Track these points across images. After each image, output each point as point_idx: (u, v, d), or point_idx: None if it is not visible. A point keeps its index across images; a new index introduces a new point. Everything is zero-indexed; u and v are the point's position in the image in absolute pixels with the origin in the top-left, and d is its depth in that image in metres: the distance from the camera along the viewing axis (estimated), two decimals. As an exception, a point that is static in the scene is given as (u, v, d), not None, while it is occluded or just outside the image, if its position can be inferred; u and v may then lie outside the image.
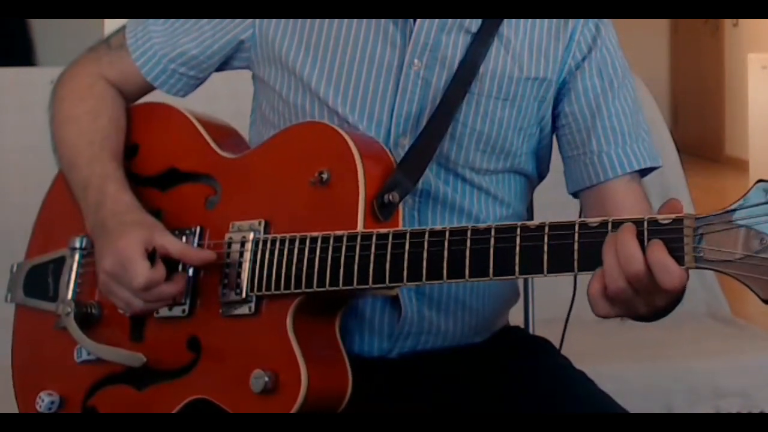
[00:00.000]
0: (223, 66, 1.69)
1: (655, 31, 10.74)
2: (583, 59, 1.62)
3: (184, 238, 1.55)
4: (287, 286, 1.45)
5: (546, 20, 1.61)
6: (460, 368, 1.60)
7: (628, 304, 1.31)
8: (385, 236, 1.40)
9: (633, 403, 1.55)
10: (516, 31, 1.60)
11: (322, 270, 1.43)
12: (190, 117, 1.64)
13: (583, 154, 1.62)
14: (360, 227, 1.43)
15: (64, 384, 1.62)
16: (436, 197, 1.59)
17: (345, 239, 1.42)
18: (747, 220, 1.22)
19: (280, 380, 1.43)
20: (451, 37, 1.58)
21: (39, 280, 1.68)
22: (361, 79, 1.58)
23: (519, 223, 1.34)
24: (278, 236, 1.47)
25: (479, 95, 1.58)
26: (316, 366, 1.44)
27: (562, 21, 1.62)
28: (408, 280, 1.39)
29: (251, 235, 1.50)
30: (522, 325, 2.07)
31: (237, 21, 1.64)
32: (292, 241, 1.46)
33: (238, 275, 1.49)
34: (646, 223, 1.27)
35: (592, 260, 1.29)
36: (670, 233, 1.26)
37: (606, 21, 1.64)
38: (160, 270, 1.48)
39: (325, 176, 1.47)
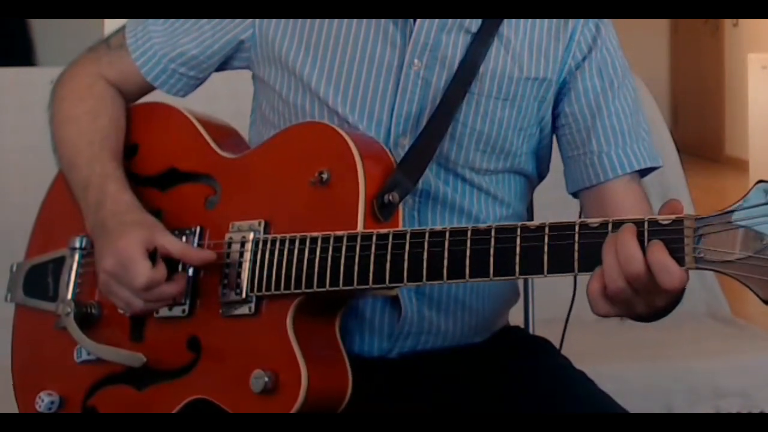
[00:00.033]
0: (223, 66, 1.69)
1: (655, 31, 10.74)
2: (584, 59, 1.62)
3: (184, 238, 1.54)
4: (287, 287, 1.45)
5: (546, 20, 1.61)
6: (460, 368, 1.60)
7: (627, 304, 1.31)
8: (385, 236, 1.40)
9: (633, 403, 1.55)
10: (516, 31, 1.60)
11: (322, 270, 1.43)
12: (190, 117, 1.64)
13: (583, 155, 1.62)
14: (360, 227, 1.43)
15: (63, 384, 1.62)
16: (436, 197, 1.59)
17: (345, 239, 1.42)
18: (747, 220, 1.22)
19: (280, 380, 1.43)
20: (451, 37, 1.58)
21: (39, 279, 1.68)
22: (361, 79, 1.58)
23: (519, 224, 1.34)
24: (278, 236, 1.47)
25: (479, 95, 1.58)
26: (316, 366, 1.44)
27: (562, 21, 1.62)
28: (408, 281, 1.39)
29: (251, 235, 1.50)
30: (522, 325, 2.07)
31: (237, 21, 1.64)
32: (292, 241, 1.46)
33: (238, 275, 1.49)
34: (646, 224, 1.27)
35: (592, 261, 1.29)
36: (670, 234, 1.26)
37: (606, 21, 1.64)
38: (162, 270, 1.48)
39: (325, 176, 1.47)
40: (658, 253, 1.25)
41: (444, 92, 1.56)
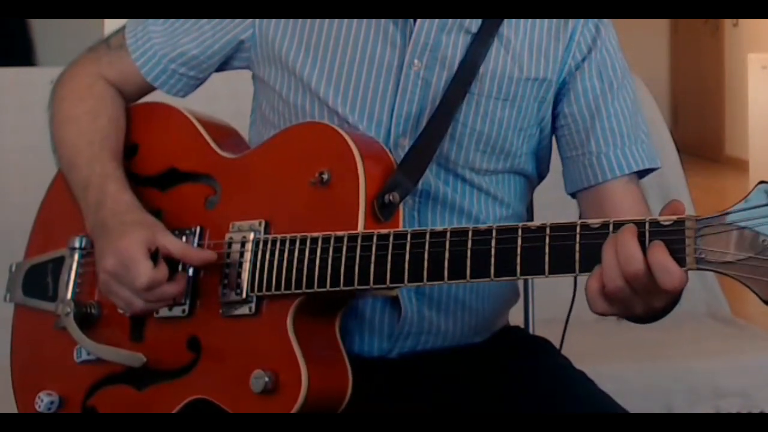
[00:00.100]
0: (223, 66, 1.69)
1: (655, 31, 10.75)
2: (583, 60, 1.62)
3: (184, 238, 1.54)
4: (288, 287, 1.45)
5: (546, 20, 1.61)
6: (460, 368, 1.60)
7: (625, 304, 1.31)
8: (386, 237, 1.40)
9: (633, 403, 1.55)
10: (516, 31, 1.60)
11: (323, 270, 1.43)
12: (190, 117, 1.64)
13: (582, 155, 1.62)
14: (360, 228, 1.43)
15: (63, 384, 1.62)
16: (436, 198, 1.58)
17: (345, 240, 1.42)
18: (748, 221, 1.22)
19: (280, 380, 1.43)
20: (451, 37, 1.58)
21: (38, 279, 1.68)
22: (361, 79, 1.58)
23: (520, 224, 1.34)
24: (278, 236, 1.47)
25: (479, 95, 1.58)
26: (317, 366, 1.43)
27: (562, 21, 1.62)
28: (409, 281, 1.38)
29: (251, 236, 1.50)
30: (522, 325, 2.06)
31: (237, 21, 1.64)
32: (292, 241, 1.46)
33: (239, 275, 1.49)
34: (647, 224, 1.27)
35: (593, 261, 1.29)
36: (671, 234, 1.26)
37: (606, 21, 1.64)
38: (163, 270, 1.48)
39: (325, 176, 1.46)
40: (659, 253, 1.25)
41: (444, 92, 1.56)
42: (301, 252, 1.45)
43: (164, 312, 1.54)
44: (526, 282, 2.11)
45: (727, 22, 9.85)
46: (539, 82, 1.60)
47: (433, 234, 1.38)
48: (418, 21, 1.57)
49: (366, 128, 1.57)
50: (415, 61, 1.57)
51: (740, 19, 9.51)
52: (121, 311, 1.56)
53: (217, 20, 1.65)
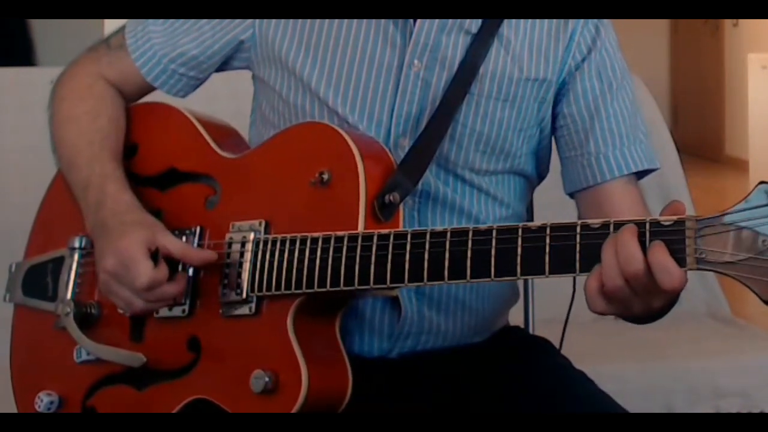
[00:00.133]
0: (223, 66, 1.69)
1: (655, 31, 10.75)
2: (583, 60, 1.62)
3: (184, 238, 1.54)
4: (288, 287, 1.45)
5: (546, 21, 1.61)
6: (460, 368, 1.60)
7: (624, 303, 1.31)
8: (386, 237, 1.40)
9: (633, 403, 1.55)
10: (516, 31, 1.60)
11: (323, 271, 1.42)
12: (190, 117, 1.64)
13: (581, 155, 1.62)
14: (361, 228, 1.43)
15: (63, 384, 1.62)
16: (435, 198, 1.58)
17: (346, 240, 1.42)
18: (748, 221, 1.22)
19: (280, 380, 1.43)
20: (451, 37, 1.58)
21: (38, 279, 1.68)
22: (361, 79, 1.58)
23: (520, 225, 1.34)
24: (279, 237, 1.47)
25: (479, 96, 1.58)
26: (317, 366, 1.43)
27: (562, 21, 1.62)
28: (409, 281, 1.38)
29: (251, 236, 1.50)
30: (522, 325, 2.06)
31: (237, 21, 1.64)
32: (292, 241, 1.46)
33: (239, 275, 1.49)
34: (648, 225, 1.27)
35: (593, 262, 1.29)
36: (671, 234, 1.26)
37: (606, 22, 1.64)
38: (163, 270, 1.48)
39: (325, 176, 1.46)
40: (659, 253, 1.25)
41: (444, 93, 1.56)
42: (301, 252, 1.45)
43: (164, 312, 1.54)
44: (526, 282, 2.11)
45: (727, 22, 9.85)
46: (539, 83, 1.60)
47: (434, 234, 1.38)
48: (418, 21, 1.57)
49: (366, 128, 1.57)
50: (415, 61, 1.57)
51: (740, 19, 9.51)
52: (121, 311, 1.56)
53: (217, 20, 1.65)
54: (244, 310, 1.48)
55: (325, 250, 1.43)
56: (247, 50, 1.65)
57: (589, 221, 1.31)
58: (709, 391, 2.45)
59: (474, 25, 1.58)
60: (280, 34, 1.62)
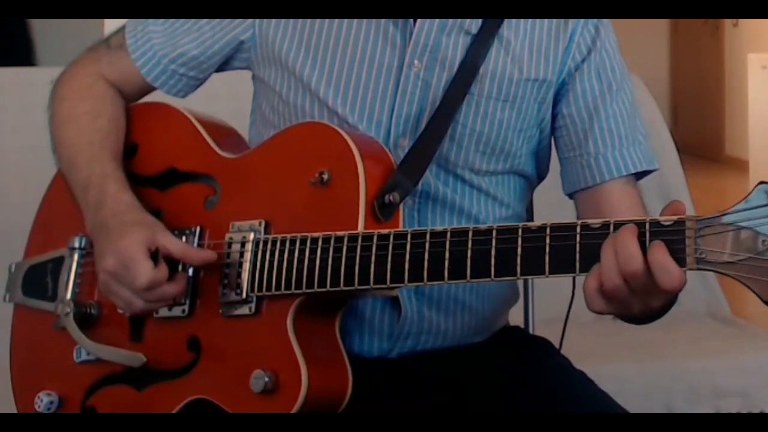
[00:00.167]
0: (223, 66, 1.69)
1: (655, 31, 10.75)
2: (583, 61, 1.62)
3: (183, 238, 1.54)
4: (288, 287, 1.45)
5: (546, 21, 1.61)
6: (460, 368, 1.60)
7: (623, 303, 1.31)
8: (386, 237, 1.40)
9: (633, 403, 1.55)
10: (516, 32, 1.60)
11: (323, 271, 1.42)
12: (190, 117, 1.64)
13: (580, 156, 1.62)
14: (361, 228, 1.43)
15: (63, 384, 1.61)
16: (435, 198, 1.58)
17: (346, 240, 1.42)
18: (748, 221, 1.22)
19: (280, 380, 1.43)
20: (451, 38, 1.58)
21: (38, 279, 1.68)
22: (361, 79, 1.58)
23: (520, 225, 1.34)
24: (279, 237, 1.47)
25: (479, 96, 1.58)
26: (317, 366, 1.43)
27: (561, 22, 1.62)
28: (409, 281, 1.38)
29: (251, 236, 1.50)
30: (522, 325, 2.06)
31: (237, 21, 1.64)
32: (292, 241, 1.46)
33: (239, 275, 1.49)
34: (648, 225, 1.27)
35: (593, 262, 1.29)
36: (671, 234, 1.26)
37: (605, 22, 1.64)
38: (163, 270, 1.48)
39: (325, 176, 1.46)
40: (659, 253, 1.25)
41: (444, 93, 1.56)
42: (301, 252, 1.45)
43: (164, 312, 1.54)
44: (526, 282, 2.11)
45: (727, 22, 9.85)
46: (539, 83, 1.60)
47: (434, 234, 1.38)
48: (418, 21, 1.57)
49: (366, 128, 1.57)
50: (415, 61, 1.57)
51: (740, 19, 9.51)
52: (120, 311, 1.56)
53: (217, 20, 1.65)
54: (244, 310, 1.48)
55: (325, 250, 1.43)
56: (247, 50, 1.65)
57: (589, 221, 1.31)
58: (709, 391, 2.45)
59: (474, 25, 1.58)
60: (280, 34, 1.62)
